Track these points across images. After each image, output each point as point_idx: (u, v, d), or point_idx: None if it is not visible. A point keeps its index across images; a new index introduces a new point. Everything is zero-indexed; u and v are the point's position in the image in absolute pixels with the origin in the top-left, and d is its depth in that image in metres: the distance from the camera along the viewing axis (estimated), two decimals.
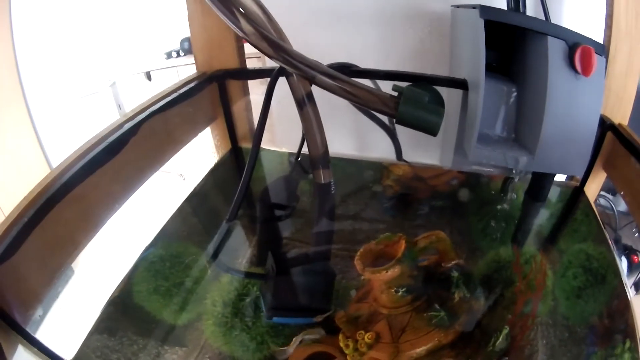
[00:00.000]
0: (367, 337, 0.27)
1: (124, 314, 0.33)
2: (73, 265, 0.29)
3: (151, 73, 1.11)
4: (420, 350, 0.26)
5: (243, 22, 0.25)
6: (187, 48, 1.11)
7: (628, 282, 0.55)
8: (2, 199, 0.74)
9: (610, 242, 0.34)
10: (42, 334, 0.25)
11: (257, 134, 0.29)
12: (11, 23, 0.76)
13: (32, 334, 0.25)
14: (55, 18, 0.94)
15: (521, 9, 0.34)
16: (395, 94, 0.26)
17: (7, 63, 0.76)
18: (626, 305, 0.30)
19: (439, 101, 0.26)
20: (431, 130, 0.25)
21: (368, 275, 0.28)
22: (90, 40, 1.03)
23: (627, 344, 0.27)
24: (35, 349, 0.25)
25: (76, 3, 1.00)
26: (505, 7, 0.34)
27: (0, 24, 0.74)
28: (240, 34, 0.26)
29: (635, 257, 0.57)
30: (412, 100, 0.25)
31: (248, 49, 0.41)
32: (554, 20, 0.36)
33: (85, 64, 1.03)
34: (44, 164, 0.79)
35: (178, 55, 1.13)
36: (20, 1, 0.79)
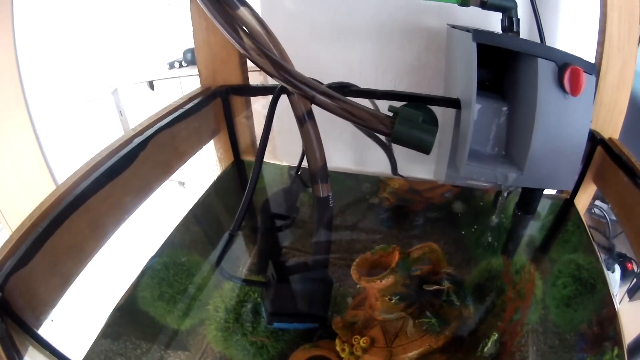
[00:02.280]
0: (362, 341, 0.28)
1: (130, 319, 0.35)
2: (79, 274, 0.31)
3: (154, 83, 1.12)
4: (412, 354, 0.27)
5: (246, 40, 0.27)
6: (189, 59, 1.12)
7: (622, 288, 0.57)
8: (3, 204, 0.75)
9: (598, 253, 0.35)
10: (52, 339, 0.27)
11: (260, 151, 0.31)
12: (13, 29, 0.77)
13: (45, 339, 0.26)
14: (57, 24, 0.95)
15: (515, 29, 0.35)
16: (391, 114, 0.27)
17: (9, 68, 0.77)
18: (614, 313, 0.31)
19: (433, 120, 0.27)
20: (424, 149, 0.26)
21: (363, 284, 0.29)
22: (92, 46, 1.04)
23: (615, 351, 0.28)
24: (48, 353, 0.26)
25: (79, 10, 1.01)
26: (499, 26, 0.35)
27: (2, 29, 0.75)
28: (242, 51, 0.27)
29: (629, 264, 0.58)
30: (406, 120, 0.26)
31: (250, 62, 0.43)
32: (548, 36, 0.37)
33: (87, 70, 1.04)
34: (45, 169, 0.80)
35: (181, 65, 1.14)
36: (22, 7, 0.81)
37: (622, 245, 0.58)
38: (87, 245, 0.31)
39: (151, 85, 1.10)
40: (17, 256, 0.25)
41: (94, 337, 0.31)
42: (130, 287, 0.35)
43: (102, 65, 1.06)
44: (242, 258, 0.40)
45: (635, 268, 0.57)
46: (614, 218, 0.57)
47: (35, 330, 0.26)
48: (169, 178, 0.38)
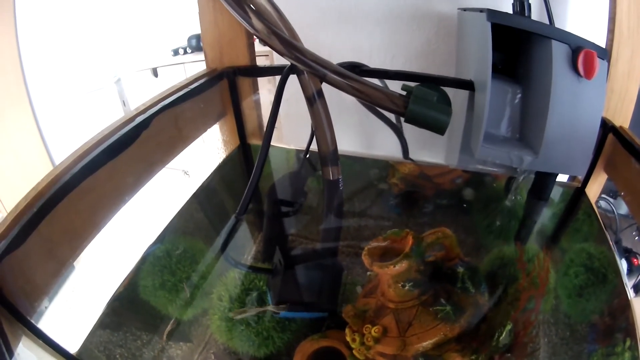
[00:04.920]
0: (374, 330, 0.27)
1: (129, 309, 0.33)
2: (75, 261, 0.29)
3: (158, 70, 1.11)
4: (427, 343, 0.26)
5: (254, 20, 0.26)
6: (194, 45, 1.12)
7: (628, 283, 0.56)
8: (5, 196, 0.73)
9: (610, 242, 0.35)
10: (47, 328, 0.25)
11: (268, 131, 0.30)
12: (15, 19, 0.76)
13: (37, 326, 0.25)
14: (60, 13, 0.94)
15: (526, 13, 0.35)
16: (405, 93, 0.26)
17: (11, 59, 0.76)
18: (627, 304, 0.30)
19: (446, 101, 0.26)
20: (439, 128, 0.25)
21: (376, 270, 0.28)
22: (95, 36, 1.03)
23: (628, 343, 0.28)
24: (41, 341, 0.24)
25: None
26: (510, 11, 0.35)
27: (4, 20, 0.74)
28: (252, 30, 0.26)
29: (635, 259, 0.58)
30: (421, 99, 0.25)
31: (257, 47, 0.42)
32: (557, 24, 0.37)
33: (90, 60, 1.03)
34: (47, 160, 0.79)
35: (185, 52, 1.13)
36: None
37: (628, 240, 0.58)
38: (84, 229, 0.29)
39: (155, 72, 1.09)
40: (10, 237, 0.23)
41: (91, 326, 0.30)
42: (129, 275, 0.33)
43: (105, 54, 1.05)
44: (247, 245, 0.39)
45: None
46: (621, 212, 0.57)
47: (28, 318, 0.25)
48: (173, 167, 0.37)
